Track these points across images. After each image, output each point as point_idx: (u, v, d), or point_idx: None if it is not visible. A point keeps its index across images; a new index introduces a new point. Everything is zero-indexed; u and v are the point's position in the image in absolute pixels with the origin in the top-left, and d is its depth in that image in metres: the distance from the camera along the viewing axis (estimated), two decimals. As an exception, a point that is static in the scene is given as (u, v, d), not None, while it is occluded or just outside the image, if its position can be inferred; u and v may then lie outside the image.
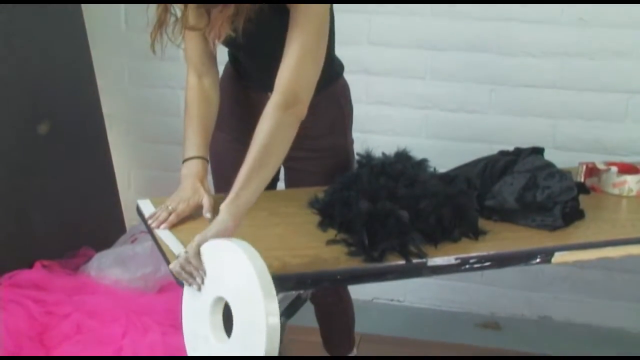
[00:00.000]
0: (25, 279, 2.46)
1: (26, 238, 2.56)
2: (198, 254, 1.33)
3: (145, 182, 3.10)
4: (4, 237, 2.47)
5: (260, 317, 1.20)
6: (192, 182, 1.66)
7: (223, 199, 1.44)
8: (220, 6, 1.49)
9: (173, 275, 1.43)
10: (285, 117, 1.51)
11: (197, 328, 1.39)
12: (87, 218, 2.79)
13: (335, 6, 1.69)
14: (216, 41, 1.60)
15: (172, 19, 1.57)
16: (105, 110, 2.92)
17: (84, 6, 2.79)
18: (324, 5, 1.58)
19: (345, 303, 2.20)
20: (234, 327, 1.29)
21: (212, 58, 1.76)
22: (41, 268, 2.54)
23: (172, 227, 1.59)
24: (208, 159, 1.73)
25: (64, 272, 2.59)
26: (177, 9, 1.56)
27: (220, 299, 1.32)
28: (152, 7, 1.61)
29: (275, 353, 1.22)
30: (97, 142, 2.90)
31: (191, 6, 1.53)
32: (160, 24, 1.59)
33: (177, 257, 1.37)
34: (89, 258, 2.68)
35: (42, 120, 2.60)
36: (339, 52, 1.87)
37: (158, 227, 1.59)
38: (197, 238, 1.34)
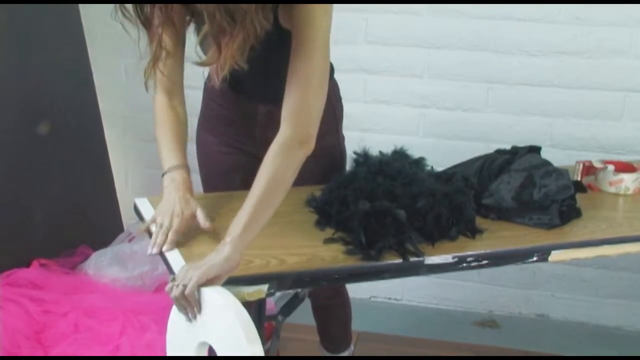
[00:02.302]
0: (23, 277, 2.46)
1: (24, 237, 2.56)
2: (196, 292, 1.31)
3: (142, 181, 3.10)
4: (2, 236, 2.47)
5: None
6: (181, 193, 1.56)
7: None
8: (226, 38, 1.41)
9: (171, 273, 1.44)
10: (298, 153, 1.50)
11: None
12: (84, 217, 2.79)
13: (333, 5, 1.69)
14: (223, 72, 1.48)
15: (164, 53, 1.57)
16: (102, 109, 2.92)
17: (81, 6, 2.79)
18: (327, 28, 1.54)
19: (342, 297, 2.19)
20: None
21: (182, 77, 1.72)
22: (39, 267, 2.54)
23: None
24: (189, 168, 1.65)
25: (62, 270, 2.59)
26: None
27: (204, 343, 1.34)
28: (144, 41, 1.58)
29: None
30: (95, 141, 2.90)
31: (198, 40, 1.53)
32: (155, 60, 1.58)
33: (172, 279, 1.34)
34: (87, 257, 2.69)
35: (40, 119, 2.60)
36: (336, 51, 1.86)
37: (160, 251, 1.49)
38: (198, 275, 1.30)
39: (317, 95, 1.52)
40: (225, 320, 1.27)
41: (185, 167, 1.60)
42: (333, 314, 2.24)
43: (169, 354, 1.44)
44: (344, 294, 2.20)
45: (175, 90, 1.69)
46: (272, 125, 1.70)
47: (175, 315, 1.38)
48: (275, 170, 1.47)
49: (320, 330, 2.27)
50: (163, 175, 1.59)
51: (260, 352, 1.23)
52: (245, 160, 1.89)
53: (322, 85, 1.53)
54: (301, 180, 1.60)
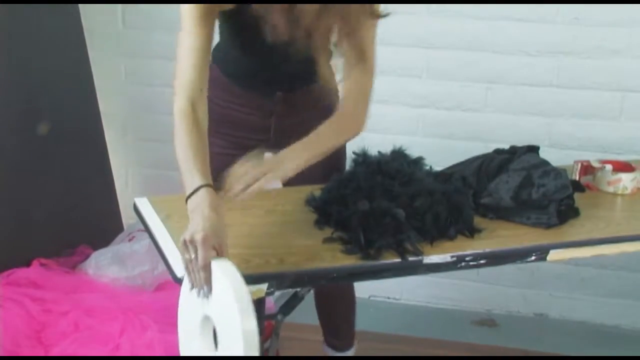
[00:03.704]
0: (23, 277, 2.47)
1: (24, 236, 2.57)
2: (209, 265, 1.28)
3: (142, 180, 3.10)
4: (2, 235, 2.47)
5: (239, 337, 1.21)
6: (220, 214, 1.39)
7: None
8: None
9: (171, 273, 1.44)
10: (349, 132, 1.67)
11: (193, 346, 1.39)
12: (84, 216, 2.79)
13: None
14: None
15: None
16: (102, 109, 2.92)
17: (81, 6, 2.80)
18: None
19: (346, 288, 2.18)
20: (218, 347, 1.31)
21: (207, 82, 1.61)
22: (39, 266, 2.55)
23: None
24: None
25: (62, 270, 2.59)
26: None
27: (207, 317, 1.33)
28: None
29: (255, 353, 1.22)
30: (95, 141, 2.90)
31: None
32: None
33: (184, 245, 1.30)
34: (87, 256, 2.69)
35: (40, 119, 2.60)
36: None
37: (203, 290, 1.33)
38: (201, 241, 1.27)
39: (372, 82, 1.67)
40: (223, 292, 1.25)
41: (209, 185, 1.43)
42: (337, 306, 2.22)
43: (180, 329, 1.43)
44: (351, 287, 2.19)
45: (200, 97, 1.58)
46: (288, 111, 1.76)
47: (186, 288, 1.37)
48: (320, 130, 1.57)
49: (323, 324, 2.25)
50: (187, 199, 1.41)
51: (253, 327, 1.21)
52: None
53: (372, 87, 1.68)
54: (302, 180, 1.61)
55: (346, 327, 2.28)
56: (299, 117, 1.82)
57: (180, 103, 1.55)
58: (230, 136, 1.86)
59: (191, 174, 1.42)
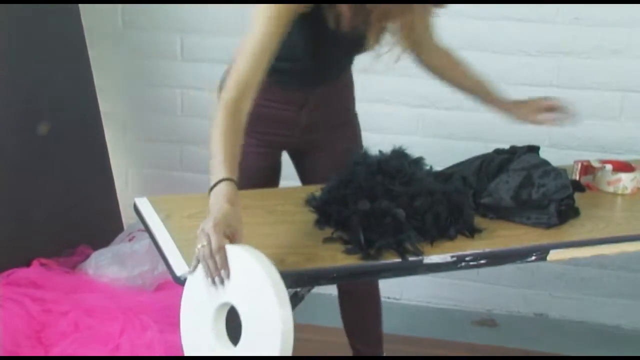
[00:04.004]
0: (23, 277, 2.47)
1: (24, 236, 2.57)
2: (223, 249, 1.28)
3: (142, 180, 3.10)
4: (2, 235, 2.47)
5: (275, 324, 1.21)
6: (236, 205, 1.40)
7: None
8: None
9: (171, 273, 1.44)
10: None
11: (199, 338, 1.38)
12: (84, 216, 2.79)
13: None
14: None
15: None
16: (102, 109, 2.92)
17: (81, 6, 2.80)
18: None
19: (374, 294, 2.19)
20: (242, 335, 1.28)
21: (258, 88, 1.58)
22: (39, 266, 2.55)
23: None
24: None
25: (62, 270, 2.59)
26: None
27: (225, 304, 1.32)
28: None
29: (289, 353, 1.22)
30: (95, 141, 2.91)
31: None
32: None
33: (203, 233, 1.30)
34: (87, 256, 2.69)
35: (40, 118, 2.60)
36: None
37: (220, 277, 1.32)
38: (212, 227, 1.28)
39: None
40: (252, 279, 1.25)
41: (231, 180, 1.43)
42: (363, 307, 2.22)
43: (183, 318, 1.41)
44: (375, 288, 2.19)
45: (249, 103, 1.55)
46: (321, 104, 1.87)
47: (193, 278, 1.36)
48: None
49: (350, 329, 2.23)
50: (210, 192, 1.42)
51: (289, 316, 1.21)
52: (277, 160, 2.00)
53: None
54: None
55: (372, 331, 2.25)
56: (326, 109, 1.91)
57: (228, 97, 1.52)
58: (261, 133, 1.87)
59: (218, 167, 1.43)
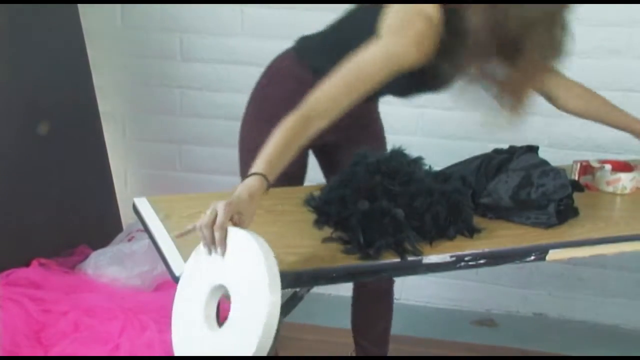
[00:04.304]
0: (23, 277, 2.47)
1: (23, 236, 2.57)
2: (225, 226, 1.29)
3: (142, 180, 3.10)
4: (1, 235, 2.47)
5: (261, 308, 1.21)
6: (254, 199, 1.40)
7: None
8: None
9: (170, 273, 1.44)
10: None
11: (189, 313, 1.38)
12: (84, 216, 2.79)
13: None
14: None
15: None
16: (101, 109, 2.93)
17: (80, 6, 2.80)
18: None
19: (389, 294, 2.20)
20: (230, 314, 1.29)
21: (335, 119, 1.57)
22: (38, 266, 2.55)
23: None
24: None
25: (61, 270, 2.59)
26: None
27: (219, 287, 1.32)
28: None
29: (268, 345, 1.22)
30: (94, 141, 2.91)
31: None
32: None
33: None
34: (86, 256, 2.69)
35: (39, 118, 2.60)
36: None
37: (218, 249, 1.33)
38: (224, 205, 1.29)
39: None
40: (248, 262, 1.25)
41: (262, 175, 1.41)
42: (378, 310, 2.22)
43: (177, 299, 1.42)
44: (390, 291, 2.20)
45: (322, 123, 1.53)
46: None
47: (193, 259, 1.37)
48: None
49: (358, 330, 2.23)
50: (243, 177, 1.44)
51: (277, 303, 1.21)
52: (307, 157, 2.01)
53: None
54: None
55: (380, 330, 2.25)
56: (356, 107, 1.84)
57: (309, 108, 1.51)
58: None
59: (260, 160, 1.43)
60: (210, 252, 1.32)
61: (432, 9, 1.54)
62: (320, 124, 1.52)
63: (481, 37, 1.51)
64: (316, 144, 1.97)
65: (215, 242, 1.30)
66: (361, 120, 1.98)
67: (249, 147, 1.81)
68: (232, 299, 1.28)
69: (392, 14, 1.56)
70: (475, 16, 1.51)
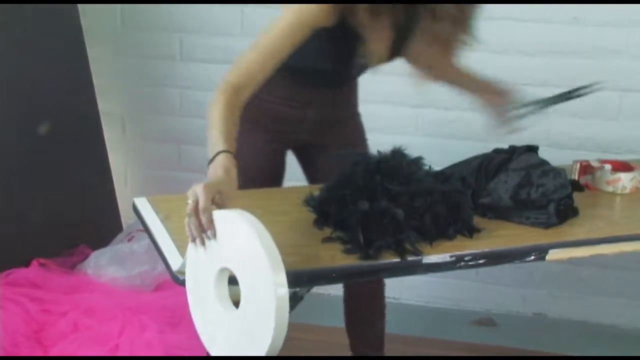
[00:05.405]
0: (22, 277, 2.47)
1: (23, 236, 2.57)
2: (209, 209, 1.28)
3: (141, 180, 3.11)
4: (1, 235, 2.47)
5: (268, 289, 1.20)
6: (232, 175, 1.41)
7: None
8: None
9: (170, 273, 1.44)
10: None
11: (203, 297, 1.38)
12: (84, 216, 2.80)
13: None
14: None
15: None
16: (101, 109, 2.93)
17: (80, 6, 2.80)
18: None
19: (380, 295, 2.19)
20: (241, 298, 1.28)
21: (260, 85, 1.60)
22: (38, 266, 2.55)
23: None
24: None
25: (61, 270, 2.60)
26: None
27: (224, 270, 1.31)
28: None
29: (285, 323, 1.21)
30: (94, 141, 2.91)
31: None
32: None
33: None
34: (86, 256, 2.69)
35: (39, 119, 2.60)
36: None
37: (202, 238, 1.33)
38: (202, 187, 1.29)
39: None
40: (247, 244, 1.24)
41: (228, 151, 1.43)
42: (371, 311, 2.22)
43: (188, 286, 1.41)
44: (380, 290, 2.19)
45: (249, 91, 1.56)
46: (327, 105, 1.89)
47: (191, 248, 1.36)
48: None
49: (353, 331, 2.23)
50: (208, 165, 1.43)
51: (284, 281, 1.21)
52: (283, 158, 2.02)
53: None
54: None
55: (375, 332, 2.25)
56: (332, 110, 1.94)
57: (230, 82, 1.54)
58: (268, 129, 1.90)
59: (215, 141, 1.44)
60: (203, 242, 1.31)
61: None
62: (245, 96, 1.54)
63: None
64: (296, 145, 1.98)
65: (204, 227, 1.29)
66: (338, 124, 1.99)
67: None
68: (240, 281, 1.27)
69: None
70: None
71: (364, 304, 2.21)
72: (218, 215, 1.30)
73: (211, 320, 1.37)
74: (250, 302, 1.27)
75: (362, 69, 1.85)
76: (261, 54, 1.55)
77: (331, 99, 1.92)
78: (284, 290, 1.21)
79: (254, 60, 1.55)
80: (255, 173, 1.84)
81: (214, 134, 1.45)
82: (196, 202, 1.28)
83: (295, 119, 1.91)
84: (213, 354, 1.38)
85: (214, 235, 1.29)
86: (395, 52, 1.78)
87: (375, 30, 1.64)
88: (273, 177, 1.98)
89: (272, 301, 1.20)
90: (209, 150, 1.44)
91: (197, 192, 1.29)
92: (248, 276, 1.26)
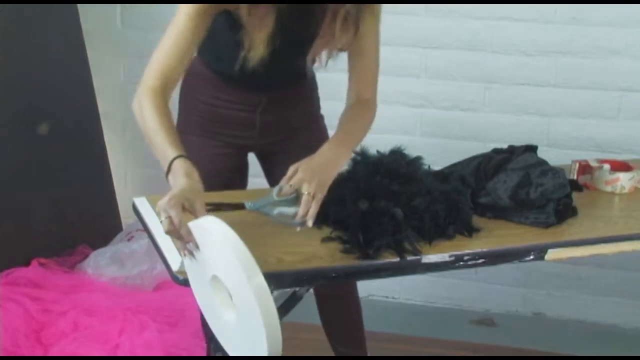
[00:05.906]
0: (23, 276, 2.47)
1: (23, 236, 2.57)
2: (182, 222, 1.28)
3: (141, 180, 3.10)
4: (1, 235, 2.48)
5: (245, 283, 1.21)
6: (194, 178, 1.40)
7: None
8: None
9: (170, 272, 1.44)
10: (372, 119, 1.81)
11: (208, 305, 1.39)
12: (84, 216, 2.80)
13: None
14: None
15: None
16: (101, 109, 2.93)
17: (80, 6, 2.80)
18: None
19: (352, 295, 2.17)
20: (232, 300, 1.29)
21: (183, 74, 1.64)
22: (38, 266, 2.55)
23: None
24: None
25: (61, 270, 2.60)
26: None
27: (215, 277, 1.32)
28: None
29: (272, 311, 1.22)
30: (94, 141, 2.91)
31: None
32: None
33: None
34: (86, 256, 2.70)
35: (39, 119, 2.60)
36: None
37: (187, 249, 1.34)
38: (168, 200, 1.28)
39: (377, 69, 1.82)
40: (223, 252, 1.25)
41: (181, 156, 1.43)
42: (342, 314, 2.19)
43: (198, 299, 1.43)
44: (353, 291, 2.17)
45: (174, 84, 1.59)
46: (276, 107, 1.85)
47: (186, 258, 1.38)
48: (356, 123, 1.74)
49: (330, 333, 2.21)
50: (166, 175, 1.42)
51: (261, 282, 1.21)
52: (242, 161, 1.98)
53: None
54: (282, 159, 1.70)
55: (353, 332, 2.22)
56: (282, 112, 1.89)
57: (151, 83, 1.56)
58: (220, 134, 1.88)
59: (164, 149, 1.44)
60: (192, 253, 1.32)
61: None
62: (169, 94, 1.56)
63: None
64: (253, 149, 1.96)
65: (185, 240, 1.29)
66: (293, 123, 1.94)
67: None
68: (226, 285, 1.29)
69: None
70: None
71: (338, 306, 2.19)
72: (192, 225, 1.30)
73: (221, 326, 1.39)
74: (239, 302, 1.28)
75: (251, 61, 1.65)
76: (179, 44, 1.57)
77: (280, 101, 1.87)
78: (259, 279, 1.21)
79: (173, 53, 1.57)
80: (215, 176, 1.79)
81: (158, 142, 1.45)
82: (169, 219, 1.28)
83: (246, 123, 1.87)
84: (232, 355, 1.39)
85: (197, 247, 1.30)
86: (287, 47, 1.66)
87: (257, 18, 1.57)
88: (233, 179, 1.94)
89: (250, 292, 1.20)
90: (161, 160, 1.44)
91: (166, 209, 1.28)
92: (230, 279, 1.27)
